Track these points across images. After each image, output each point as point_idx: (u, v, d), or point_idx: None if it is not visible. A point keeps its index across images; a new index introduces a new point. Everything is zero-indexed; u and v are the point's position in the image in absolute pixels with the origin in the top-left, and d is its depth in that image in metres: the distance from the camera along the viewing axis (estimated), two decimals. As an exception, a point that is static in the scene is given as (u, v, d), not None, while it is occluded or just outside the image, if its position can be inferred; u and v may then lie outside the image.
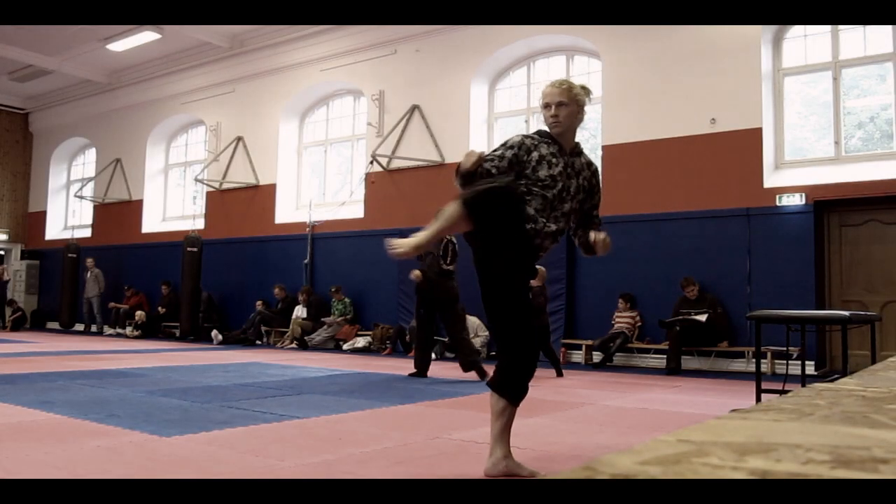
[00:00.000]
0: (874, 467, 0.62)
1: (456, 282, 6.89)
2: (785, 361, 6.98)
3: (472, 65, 10.77)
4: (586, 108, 3.04)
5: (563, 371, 7.50)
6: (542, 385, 6.37)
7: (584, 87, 3.01)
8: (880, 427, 0.84)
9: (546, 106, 2.95)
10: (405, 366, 7.47)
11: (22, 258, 17.17)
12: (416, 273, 6.89)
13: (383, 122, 11.51)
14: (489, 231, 2.80)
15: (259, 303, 12.18)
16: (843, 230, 8.21)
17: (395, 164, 11.20)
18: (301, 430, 3.83)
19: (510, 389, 2.85)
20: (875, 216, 8.01)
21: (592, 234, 3.01)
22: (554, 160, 2.89)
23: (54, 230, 17.12)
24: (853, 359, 6.41)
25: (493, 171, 2.84)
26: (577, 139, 3.08)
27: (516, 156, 2.88)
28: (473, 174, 2.83)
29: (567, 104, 2.92)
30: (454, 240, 6.85)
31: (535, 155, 2.88)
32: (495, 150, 2.93)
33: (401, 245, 2.82)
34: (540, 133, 2.97)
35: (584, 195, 3.03)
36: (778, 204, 8.25)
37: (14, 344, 10.71)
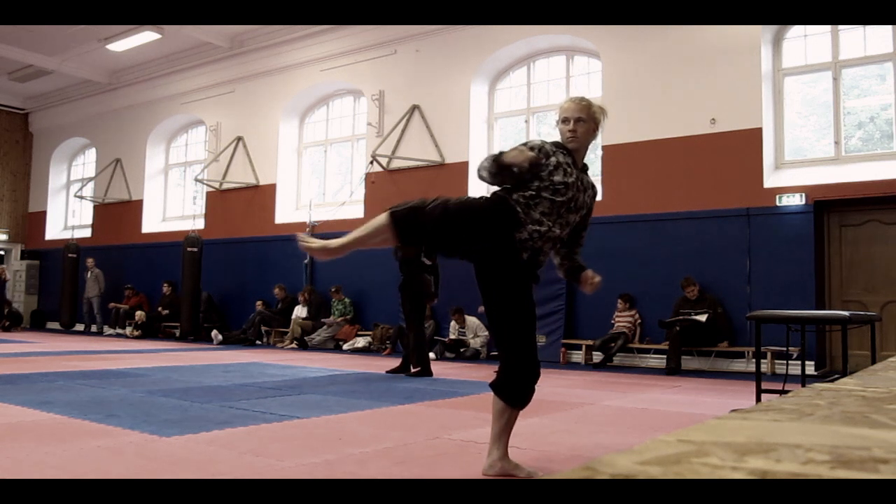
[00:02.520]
0: (874, 467, 0.62)
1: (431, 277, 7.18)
2: (785, 361, 6.98)
3: (472, 65, 10.77)
4: (601, 128, 3.10)
5: (561, 371, 7.52)
6: (542, 385, 6.36)
7: (601, 107, 3.08)
8: (880, 427, 0.84)
9: (564, 121, 2.99)
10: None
11: (22, 258, 17.17)
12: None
13: (383, 122, 11.51)
14: (477, 241, 2.84)
15: (259, 303, 12.18)
16: (843, 230, 8.21)
17: (395, 164, 11.20)
18: (301, 430, 3.83)
19: (509, 392, 2.86)
20: (875, 216, 8.01)
21: (591, 272, 3.08)
22: (569, 169, 2.93)
23: (54, 230, 17.12)
24: (853, 359, 6.40)
25: (514, 169, 2.84)
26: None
27: (536, 157, 2.91)
28: (508, 169, 2.83)
29: (585, 121, 2.98)
30: None
31: (553, 160, 2.91)
32: (517, 148, 2.94)
33: (311, 243, 2.86)
34: (556, 144, 3.01)
35: (585, 213, 3.06)
36: (778, 204, 8.25)
37: (14, 344, 10.71)
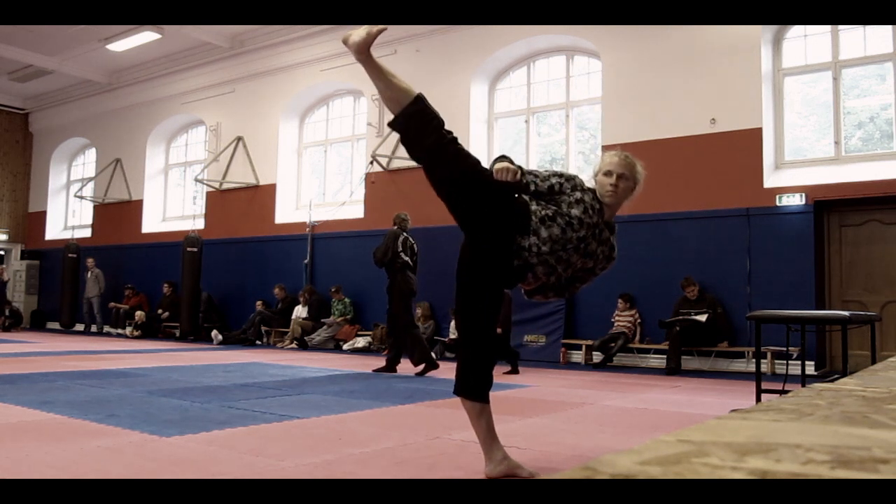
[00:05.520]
0: (874, 467, 0.62)
1: (411, 276, 7.24)
2: (785, 361, 6.98)
3: (472, 65, 10.77)
4: (638, 189, 3.00)
5: (561, 371, 7.52)
6: (543, 385, 6.37)
7: (643, 168, 3.02)
8: (880, 427, 0.84)
9: (607, 174, 2.89)
10: (405, 366, 7.48)
11: (22, 258, 17.17)
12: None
13: (383, 122, 11.49)
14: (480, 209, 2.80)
15: (259, 303, 12.19)
16: (843, 230, 8.21)
17: (395, 164, 11.20)
18: (301, 430, 3.83)
19: (476, 389, 2.82)
20: (875, 216, 8.01)
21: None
22: (591, 211, 2.84)
23: (54, 230, 17.12)
24: (853, 359, 6.41)
25: (532, 186, 2.81)
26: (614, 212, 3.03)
27: (560, 185, 2.85)
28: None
29: (628, 178, 2.90)
30: (412, 239, 7.32)
31: (578, 195, 2.84)
32: (546, 170, 2.91)
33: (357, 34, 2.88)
34: (592, 189, 2.94)
35: (592, 262, 2.94)
36: (778, 204, 8.25)
37: (14, 344, 10.71)
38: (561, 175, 2.88)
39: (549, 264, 2.80)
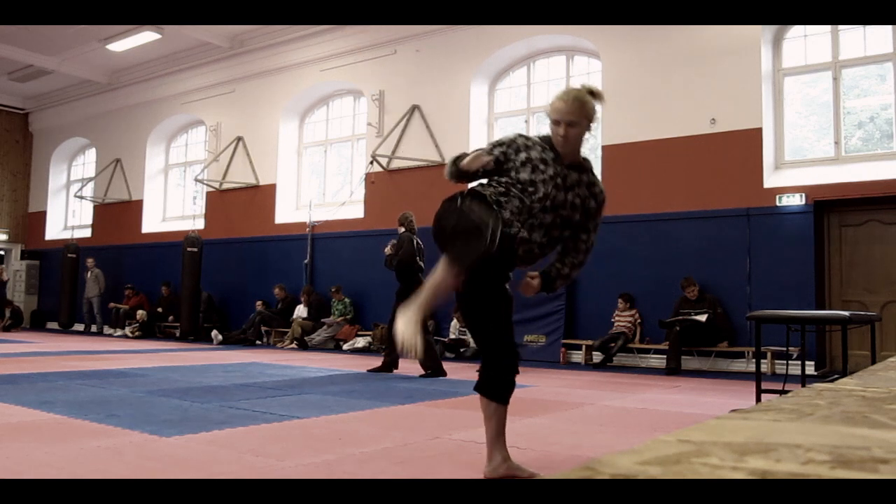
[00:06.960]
0: (874, 467, 0.62)
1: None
2: (785, 361, 6.98)
3: (472, 65, 10.77)
4: (596, 119, 2.84)
5: (561, 371, 7.51)
6: (543, 385, 6.37)
7: (593, 93, 2.79)
8: (880, 427, 0.84)
9: (556, 122, 2.74)
10: (405, 366, 7.48)
11: (22, 258, 17.17)
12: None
13: (383, 122, 11.51)
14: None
15: (259, 303, 12.19)
16: (843, 230, 8.21)
17: (395, 164, 11.20)
18: (301, 430, 3.83)
19: (497, 390, 2.82)
20: (875, 216, 8.01)
21: (527, 279, 2.88)
22: (542, 166, 2.74)
23: (54, 230, 17.12)
24: (853, 359, 6.41)
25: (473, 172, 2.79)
26: (584, 153, 2.92)
27: (504, 154, 2.78)
28: (472, 173, 2.81)
29: (577, 123, 2.73)
30: (419, 241, 7.20)
31: (522, 156, 2.76)
32: (486, 147, 2.85)
33: (407, 324, 2.55)
34: (542, 138, 2.84)
35: (572, 212, 2.80)
36: (778, 204, 8.25)
37: (14, 344, 10.71)
38: (501, 143, 2.82)
39: (523, 238, 2.71)
